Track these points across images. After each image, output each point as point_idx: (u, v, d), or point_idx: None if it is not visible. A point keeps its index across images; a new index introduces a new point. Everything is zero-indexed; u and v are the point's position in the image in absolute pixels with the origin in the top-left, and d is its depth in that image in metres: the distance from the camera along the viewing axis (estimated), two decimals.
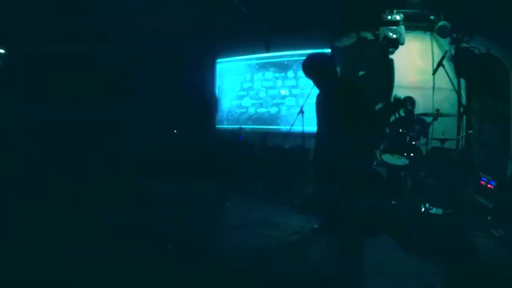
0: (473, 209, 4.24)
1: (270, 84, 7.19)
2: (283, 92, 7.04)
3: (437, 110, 4.48)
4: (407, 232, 3.58)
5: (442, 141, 4.30)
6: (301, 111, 4.71)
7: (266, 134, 7.12)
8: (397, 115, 4.74)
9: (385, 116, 2.21)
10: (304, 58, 2.86)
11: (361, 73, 6.11)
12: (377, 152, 4.48)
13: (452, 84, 4.73)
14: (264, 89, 7.26)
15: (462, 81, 5.67)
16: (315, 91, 3.05)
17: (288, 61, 6.96)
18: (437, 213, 4.18)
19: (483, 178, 4.26)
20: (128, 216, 3.93)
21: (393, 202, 4.13)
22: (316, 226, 3.92)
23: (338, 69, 2.95)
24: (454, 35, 5.71)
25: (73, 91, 6.52)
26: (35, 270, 2.58)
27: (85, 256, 2.83)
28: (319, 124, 2.98)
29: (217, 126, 7.82)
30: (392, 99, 2.22)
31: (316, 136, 3.12)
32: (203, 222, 4.09)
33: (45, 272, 2.57)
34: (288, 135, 5.48)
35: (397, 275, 2.77)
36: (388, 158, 4.46)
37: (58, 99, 6.34)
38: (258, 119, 7.29)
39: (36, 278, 2.48)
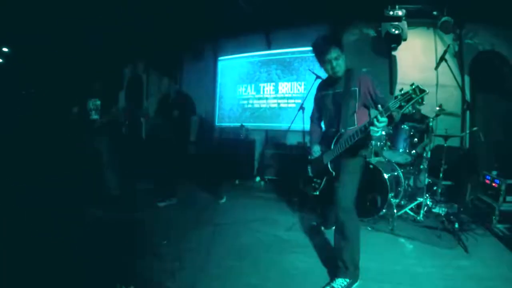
0: (478, 208, 4.18)
1: (272, 81, 7.14)
2: (284, 89, 6.99)
3: (440, 105, 4.37)
4: None
5: (446, 138, 4.21)
6: (302, 108, 4.66)
7: (267, 132, 7.11)
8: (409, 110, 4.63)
9: (404, 105, 2.08)
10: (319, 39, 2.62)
11: (364, 70, 6.02)
12: (379, 149, 4.41)
13: (456, 81, 4.67)
14: (265, 87, 7.22)
15: (467, 78, 5.59)
16: (315, 87, 3.00)
17: (290, 58, 6.91)
18: (440, 212, 4.13)
19: (487, 177, 4.17)
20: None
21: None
22: (315, 223, 3.86)
23: None
24: (458, 31, 5.63)
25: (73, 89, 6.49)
26: None
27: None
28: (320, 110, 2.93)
29: (218, 124, 7.79)
30: (410, 88, 2.07)
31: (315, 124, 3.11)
32: (199, 219, 4.04)
33: None
34: (289, 132, 5.43)
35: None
36: (390, 154, 4.41)
37: (60, 98, 6.31)
38: (260, 116, 7.25)
39: None
